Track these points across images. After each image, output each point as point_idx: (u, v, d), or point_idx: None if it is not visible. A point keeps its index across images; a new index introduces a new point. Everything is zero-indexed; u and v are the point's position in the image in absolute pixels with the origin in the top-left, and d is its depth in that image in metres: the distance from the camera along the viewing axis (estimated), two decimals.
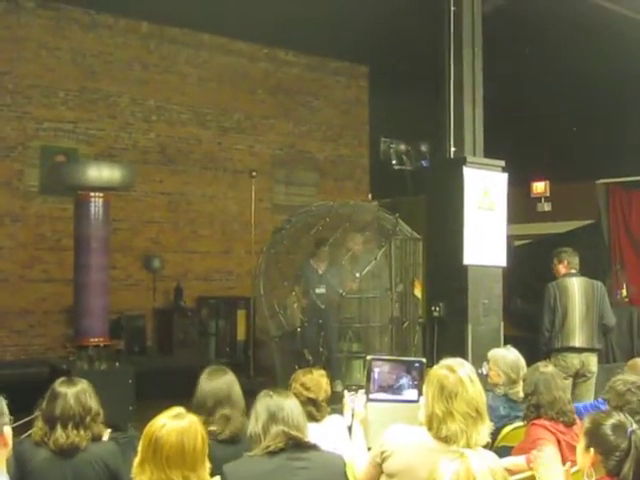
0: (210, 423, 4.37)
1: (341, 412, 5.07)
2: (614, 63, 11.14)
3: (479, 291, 8.16)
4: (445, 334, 8.16)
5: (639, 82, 11.60)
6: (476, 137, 8.39)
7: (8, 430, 3.29)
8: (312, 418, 4.64)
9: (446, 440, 3.66)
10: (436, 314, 8.20)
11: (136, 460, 3.34)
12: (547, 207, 14.18)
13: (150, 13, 12.98)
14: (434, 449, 3.63)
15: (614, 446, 3.04)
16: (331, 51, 15.10)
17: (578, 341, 8.44)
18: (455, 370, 3.79)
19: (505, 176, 8.49)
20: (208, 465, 3.41)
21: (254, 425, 3.86)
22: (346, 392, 4.76)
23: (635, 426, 3.26)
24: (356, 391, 4.72)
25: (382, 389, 4.60)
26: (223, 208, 14.48)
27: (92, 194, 8.70)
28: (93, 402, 4.34)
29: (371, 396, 4.56)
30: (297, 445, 3.78)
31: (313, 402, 4.81)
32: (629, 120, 12.24)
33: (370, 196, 14.11)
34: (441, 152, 8.66)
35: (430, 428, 3.75)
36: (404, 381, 4.59)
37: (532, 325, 11.36)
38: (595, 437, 3.08)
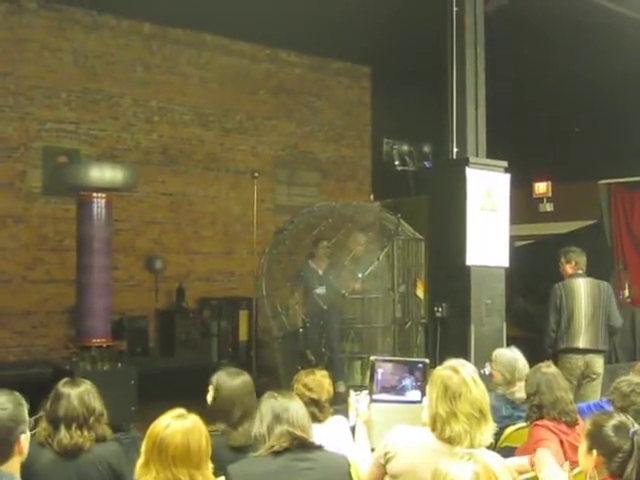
0: (231, 431, 4.37)
1: (344, 413, 5.07)
2: (616, 63, 11.13)
3: (482, 291, 8.15)
4: (448, 334, 8.16)
5: None
6: (479, 138, 8.38)
7: (25, 438, 3.30)
8: (315, 419, 4.63)
9: (450, 441, 3.67)
10: (439, 314, 8.19)
11: (139, 461, 3.35)
12: (549, 207, 14.18)
13: (152, 14, 12.97)
14: (438, 450, 3.64)
15: (616, 447, 3.03)
16: (333, 52, 15.10)
17: (582, 342, 8.43)
18: (459, 371, 3.80)
19: (508, 177, 8.48)
20: (210, 465, 3.43)
21: (259, 426, 3.86)
22: (352, 391, 4.75)
23: (637, 427, 3.25)
24: (361, 391, 4.72)
25: (385, 390, 4.61)
26: (225, 209, 14.48)
27: (95, 195, 8.71)
28: (97, 403, 4.35)
29: (374, 397, 4.57)
30: (302, 445, 3.79)
31: (316, 403, 4.81)
32: (631, 120, 12.23)
33: (372, 197, 14.11)
34: (444, 153, 8.66)
35: (434, 429, 3.75)
36: (407, 382, 4.59)
37: (534, 325, 11.37)
38: (597, 439, 3.08)
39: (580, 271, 8.62)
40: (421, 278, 9.49)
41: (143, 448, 3.36)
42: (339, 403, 5.61)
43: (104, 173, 8.82)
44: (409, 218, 9.79)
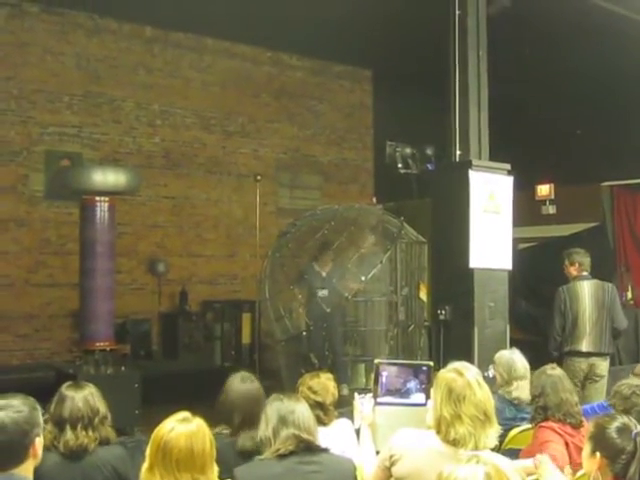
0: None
1: (347, 416, 5.07)
2: (618, 65, 11.13)
3: (485, 294, 8.15)
4: (451, 337, 8.16)
5: None
6: (481, 140, 8.38)
7: (40, 441, 3.30)
8: (320, 422, 4.62)
9: (454, 443, 3.67)
10: (442, 317, 8.19)
11: (144, 465, 3.35)
12: (552, 210, 14.16)
13: (154, 18, 12.98)
14: (443, 452, 3.65)
15: (620, 449, 3.03)
16: (335, 55, 15.10)
17: (586, 346, 8.42)
18: (463, 373, 3.80)
19: (511, 179, 8.48)
20: (216, 468, 3.42)
21: (264, 429, 3.86)
22: (356, 394, 4.75)
23: None
24: (366, 394, 4.72)
25: (390, 393, 4.60)
26: (228, 212, 14.48)
27: (98, 198, 8.71)
28: (101, 405, 4.36)
29: (379, 400, 4.56)
30: (308, 448, 3.79)
31: (320, 406, 4.81)
32: (633, 122, 12.23)
33: (374, 199, 14.10)
34: (446, 155, 8.66)
35: (438, 431, 3.75)
36: (412, 385, 4.59)
37: (537, 328, 11.39)
38: (600, 441, 3.08)
39: (585, 272, 8.59)
40: (424, 281, 9.48)
41: (148, 452, 3.35)
42: (343, 406, 5.61)
43: (107, 177, 8.83)
44: (412, 221, 9.79)
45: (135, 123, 13.57)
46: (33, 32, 12.48)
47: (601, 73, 11.64)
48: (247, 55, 14.84)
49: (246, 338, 13.43)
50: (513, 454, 5.02)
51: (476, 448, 3.59)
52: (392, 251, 9.29)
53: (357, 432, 4.72)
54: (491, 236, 8.23)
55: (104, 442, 4.30)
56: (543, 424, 5.03)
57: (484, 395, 3.76)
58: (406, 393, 4.60)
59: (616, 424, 3.09)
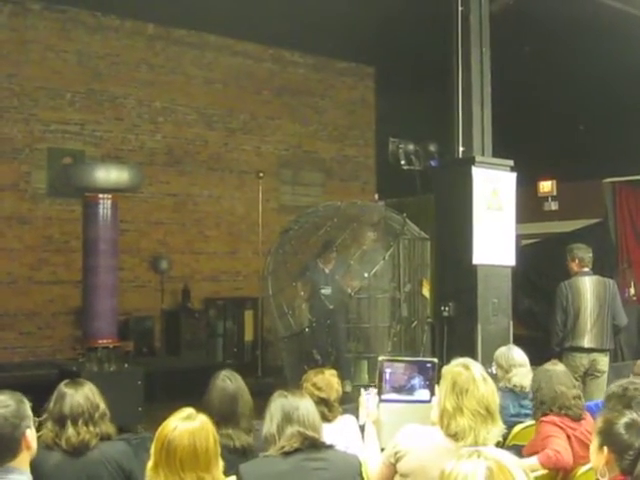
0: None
1: (351, 412, 5.08)
2: (621, 62, 11.11)
3: (488, 290, 8.15)
4: (455, 334, 8.15)
5: None
6: (484, 137, 8.37)
7: (31, 433, 3.32)
8: (324, 418, 4.64)
9: (455, 436, 3.68)
10: (446, 314, 8.18)
11: (149, 463, 3.34)
12: (554, 206, 14.14)
13: (156, 15, 12.98)
14: (447, 448, 3.65)
15: (627, 445, 3.03)
16: (337, 51, 15.10)
17: (587, 342, 8.42)
18: (470, 368, 3.82)
19: (514, 175, 8.47)
20: (221, 464, 3.42)
21: (269, 425, 3.86)
22: (362, 390, 4.75)
23: None
24: (371, 390, 4.72)
25: (394, 390, 4.61)
26: (230, 209, 14.49)
27: (100, 196, 8.72)
28: (100, 401, 4.36)
29: (383, 397, 4.57)
30: (313, 445, 3.79)
31: (325, 402, 4.82)
32: (636, 118, 12.20)
33: (377, 196, 14.10)
34: (450, 152, 8.65)
35: (442, 424, 3.77)
36: (416, 381, 4.59)
37: (539, 324, 11.39)
38: (608, 436, 3.08)
39: (586, 268, 8.59)
40: (427, 277, 9.48)
41: (152, 450, 3.35)
42: (346, 403, 5.61)
43: (110, 174, 8.84)
44: (414, 217, 9.79)
45: (137, 120, 13.58)
46: (35, 29, 12.47)
47: (604, 69, 11.62)
48: (249, 52, 14.84)
49: (248, 335, 13.47)
50: (517, 450, 5.03)
51: (475, 443, 3.60)
52: (395, 248, 9.28)
53: (361, 428, 4.73)
54: (494, 232, 8.22)
55: (105, 438, 4.29)
56: (544, 418, 5.05)
57: (488, 391, 3.76)
58: (410, 390, 4.60)
59: (625, 420, 3.08)
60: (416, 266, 9.50)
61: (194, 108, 14.19)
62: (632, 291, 12.76)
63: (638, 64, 11.03)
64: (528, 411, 5.68)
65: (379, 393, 4.57)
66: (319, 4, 10.99)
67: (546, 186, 14.19)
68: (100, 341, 8.70)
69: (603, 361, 8.49)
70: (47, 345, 12.36)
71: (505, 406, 5.56)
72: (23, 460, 3.28)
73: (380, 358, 4.73)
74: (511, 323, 8.40)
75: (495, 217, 8.25)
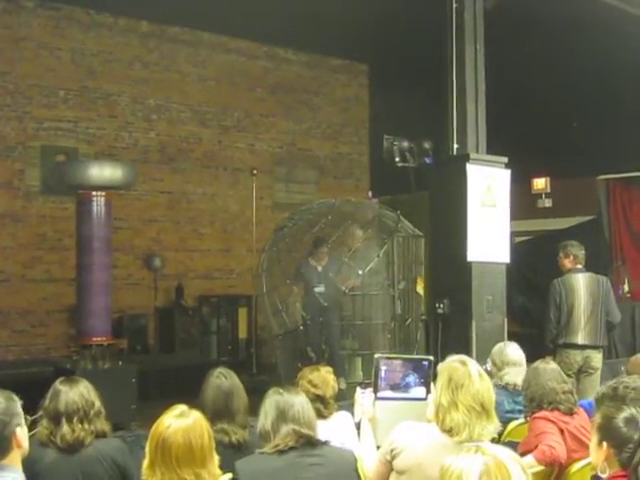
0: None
1: (346, 409, 5.08)
2: (614, 59, 11.14)
3: (483, 287, 8.17)
4: (449, 331, 8.17)
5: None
6: (479, 134, 8.39)
7: (22, 431, 3.30)
8: (320, 415, 4.64)
9: (450, 432, 3.69)
10: (440, 311, 8.20)
11: (145, 462, 3.34)
12: (548, 203, 14.16)
13: (150, 12, 12.97)
14: (444, 445, 3.66)
15: (626, 438, 3.04)
16: (331, 49, 15.09)
17: (581, 338, 8.42)
18: (466, 364, 3.83)
19: (508, 172, 8.49)
20: (217, 458, 3.42)
21: (263, 422, 3.86)
22: (358, 389, 4.75)
23: None
24: (367, 388, 4.71)
25: (390, 387, 4.60)
26: (224, 206, 14.49)
27: (94, 193, 8.70)
28: (95, 399, 4.36)
29: (379, 394, 4.56)
30: (308, 443, 3.79)
31: (321, 399, 4.82)
32: (629, 115, 12.23)
33: (370, 193, 14.10)
34: (444, 149, 8.66)
35: (437, 420, 3.77)
36: (411, 379, 4.59)
37: (534, 321, 11.39)
38: (607, 431, 3.08)
39: (579, 265, 8.58)
40: (421, 275, 9.48)
41: (147, 449, 3.35)
42: (341, 400, 5.61)
43: (103, 171, 8.82)
44: (408, 215, 9.77)
45: (131, 118, 13.56)
46: (28, 27, 12.45)
47: (598, 67, 11.65)
48: (243, 49, 14.83)
49: (242, 333, 13.47)
50: (512, 447, 5.02)
51: (470, 438, 3.61)
52: (389, 245, 9.28)
53: (357, 426, 4.73)
54: (489, 229, 8.24)
55: (100, 435, 4.30)
56: (536, 415, 5.07)
57: (483, 387, 3.77)
58: (406, 387, 4.59)
59: (624, 414, 3.08)
60: (410, 263, 9.50)
61: (188, 105, 14.18)
62: (626, 288, 12.78)
63: (632, 61, 11.05)
64: (522, 407, 5.68)
65: (375, 391, 4.56)
66: (313, 1, 10.99)
67: (540, 183, 14.20)
68: (94, 339, 8.68)
69: (597, 358, 8.50)
70: (41, 343, 12.35)
71: (499, 402, 5.56)
72: (14, 458, 3.27)
73: (376, 356, 4.72)
74: (506, 320, 8.42)
75: (489, 214, 8.27)
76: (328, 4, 11.12)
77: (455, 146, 8.38)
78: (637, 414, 3.11)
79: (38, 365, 10.66)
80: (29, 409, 3.55)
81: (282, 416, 3.83)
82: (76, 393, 4.29)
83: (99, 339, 8.71)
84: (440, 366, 3.94)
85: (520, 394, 5.80)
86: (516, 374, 5.97)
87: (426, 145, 9.09)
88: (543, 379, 5.17)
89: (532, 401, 5.15)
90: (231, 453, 4.18)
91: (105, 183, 8.76)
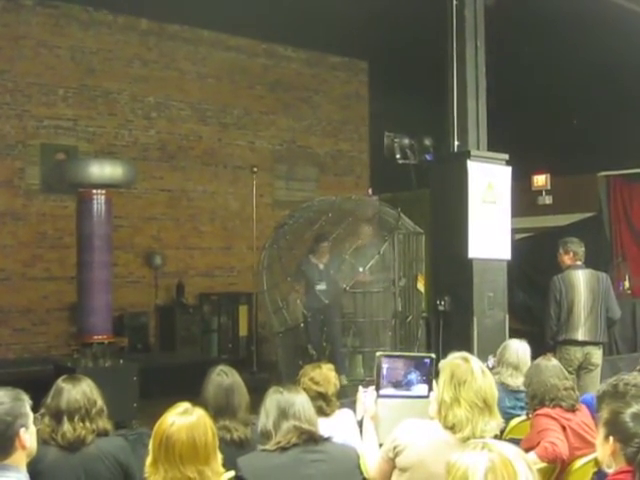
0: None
1: (348, 407, 5.08)
2: (615, 55, 11.12)
3: (484, 284, 8.17)
4: (450, 328, 8.17)
5: None
6: (480, 131, 8.39)
7: (27, 432, 3.28)
8: (322, 413, 4.66)
9: (453, 428, 3.69)
10: (441, 308, 8.20)
11: (148, 460, 3.34)
12: (548, 200, 14.15)
13: (149, 10, 12.97)
14: (447, 442, 3.67)
15: (632, 433, 3.04)
16: (330, 46, 15.08)
17: (581, 335, 8.42)
18: (469, 360, 3.84)
19: (509, 169, 8.49)
20: (220, 456, 3.42)
21: (265, 421, 3.87)
22: (361, 387, 4.74)
23: None
24: (369, 386, 4.71)
25: (391, 385, 4.60)
26: (224, 204, 14.48)
27: (94, 191, 8.68)
28: (98, 397, 4.36)
29: (381, 392, 4.56)
30: (310, 439, 3.79)
31: (323, 397, 4.83)
32: (630, 112, 12.22)
33: (370, 191, 14.09)
34: (445, 146, 8.66)
35: (439, 417, 3.77)
36: (413, 377, 4.58)
37: (534, 318, 11.38)
38: (614, 426, 3.08)
39: (579, 262, 8.57)
40: (422, 272, 9.48)
41: (150, 447, 3.35)
42: (342, 397, 5.61)
43: (103, 169, 8.80)
44: (408, 212, 9.78)
45: (131, 116, 13.55)
46: (28, 25, 12.43)
47: (598, 63, 11.63)
48: (242, 47, 14.81)
49: (243, 330, 13.46)
50: (514, 444, 5.02)
51: (473, 435, 3.61)
52: (389, 242, 9.28)
53: (359, 423, 4.72)
54: (490, 226, 8.24)
55: (102, 434, 4.29)
56: (539, 412, 5.07)
57: (486, 383, 3.77)
58: (407, 385, 4.59)
59: (631, 410, 3.09)
60: (411, 261, 9.50)
61: (188, 103, 14.17)
62: (627, 284, 12.77)
63: (633, 58, 11.04)
64: (524, 404, 5.69)
65: (377, 388, 4.56)
66: None
67: (540, 180, 14.20)
68: (95, 337, 8.66)
69: (597, 354, 8.49)
70: (42, 341, 12.34)
71: (501, 398, 5.57)
72: (18, 459, 3.26)
73: (378, 353, 4.72)
74: (507, 317, 8.42)
75: (490, 211, 8.27)
76: (327, 1, 11.11)
77: (456, 143, 8.38)
78: None
79: (39, 363, 10.65)
80: (30, 407, 3.55)
81: (283, 414, 3.84)
82: (78, 391, 4.28)
83: (100, 337, 8.68)
84: (442, 363, 3.94)
85: (522, 397, 5.80)
86: (515, 377, 6.01)
87: (427, 142, 9.07)
88: (545, 376, 5.17)
89: (534, 398, 5.16)
90: (233, 450, 4.18)
91: (105, 181, 8.74)
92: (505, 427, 5.29)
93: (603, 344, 8.68)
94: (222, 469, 3.44)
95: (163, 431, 3.30)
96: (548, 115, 13.08)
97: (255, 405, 4.26)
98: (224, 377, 4.59)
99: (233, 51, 14.70)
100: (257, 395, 4.25)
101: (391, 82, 14.20)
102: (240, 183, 14.23)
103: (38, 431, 4.08)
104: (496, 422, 3.78)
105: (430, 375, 4.53)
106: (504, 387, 5.93)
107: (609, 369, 8.76)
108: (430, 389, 4.41)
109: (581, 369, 8.39)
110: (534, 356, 5.81)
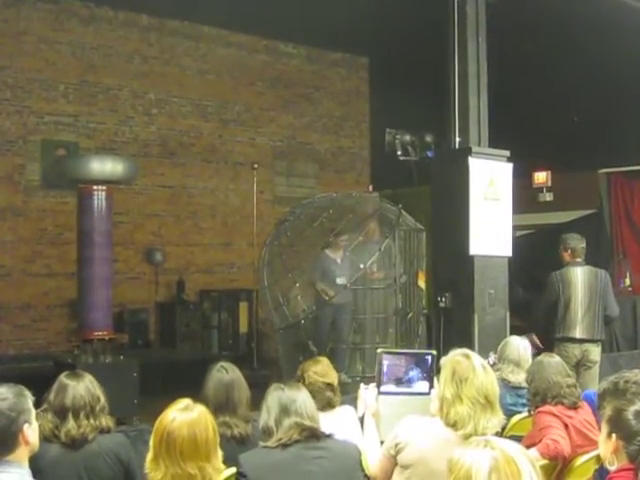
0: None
1: (348, 403, 5.07)
2: (616, 52, 11.11)
3: (485, 281, 8.17)
4: (451, 324, 8.17)
5: None
6: (481, 127, 8.39)
7: (30, 428, 3.28)
8: (330, 405, 4.69)
9: (455, 425, 3.69)
10: (442, 305, 8.20)
11: (149, 456, 3.33)
12: (549, 197, 14.11)
13: (149, 6, 12.95)
14: (448, 439, 3.66)
15: (635, 431, 3.04)
16: (331, 42, 15.05)
17: (579, 332, 8.39)
18: (470, 357, 3.84)
19: (510, 166, 8.49)
20: (220, 453, 3.41)
21: (266, 418, 3.85)
22: (362, 385, 4.74)
23: None
24: (370, 384, 4.71)
25: (393, 382, 4.59)
26: (224, 200, 14.47)
27: (95, 187, 8.67)
28: (100, 394, 4.34)
29: (382, 389, 4.56)
30: (312, 435, 3.79)
31: (331, 387, 4.86)
32: (631, 109, 12.22)
33: (371, 187, 14.08)
34: (446, 143, 8.65)
35: (441, 414, 3.77)
36: (414, 373, 4.58)
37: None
38: (617, 423, 3.07)
39: (578, 259, 8.51)
40: (422, 269, 9.47)
41: (151, 443, 3.34)
42: (343, 394, 5.60)
43: (104, 166, 8.81)
44: (408, 208, 9.78)
45: (131, 112, 13.53)
46: (28, 21, 12.42)
47: (599, 61, 11.62)
48: (243, 43, 14.81)
49: (243, 327, 13.45)
50: (515, 441, 5.02)
51: (475, 432, 3.61)
52: (390, 239, 9.27)
53: (360, 420, 4.72)
54: (491, 223, 8.24)
55: (104, 431, 4.27)
56: (541, 409, 5.08)
57: (487, 380, 3.77)
58: (408, 382, 4.59)
59: (635, 408, 3.08)
60: (412, 257, 9.49)
61: (188, 99, 14.15)
62: (627, 282, 12.76)
63: (633, 56, 11.03)
64: (525, 401, 5.69)
65: (378, 385, 4.56)
66: None
67: (541, 177, 14.16)
68: (95, 333, 8.66)
69: (595, 351, 8.47)
70: (42, 337, 12.33)
71: (502, 395, 5.57)
72: (21, 455, 3.26)
73: (379, 350, 4.72)
74: (508, 314, 8.41)
75: (492, 207, 8.27)
76: None
77: (457, 139, 8.38)
78: None
79: (39, 360, 10.66)
80: (33, 404, 3.54)
81: (285, 411, 3.83)
82: (83, 388, 4.26)
83: (100, 333, 8.68)
84: (443, 360, 3.94)
85: (521, 389, 5.81)
86: (516, 373, 6.01)
87: (428, 138, 9.07)
88: (547, 373, 5.17)
89: (536, 395, 5.16)
90: (233, 446, 4.18)
91: (106, 177, 8.74)
92: (506, 424, 5.28)
93: (601, 341, 8.67)
94: (223, 466, 3.44)
95: (164, 427, 3.29)
96: (549, 112, 13.06)
97: (255, 401, 4.26)
98: (224, 373, 4.58)
99: (234, 47, 14.69)
100: (257, 391, 4.25)
101: (392, 78, 14.18)
102: (240, 179, 14.22)
103: (40, 427, 4.09)
104: (498, 419, 3.77)
105: (431, 372, 4.52)
106: (505, 384, 5.93)
107: (609, 366, 8.77)
108: (431, 386, 4.41)
109: (580, 366, 8.38)
110: (534, 354, 5.81)
